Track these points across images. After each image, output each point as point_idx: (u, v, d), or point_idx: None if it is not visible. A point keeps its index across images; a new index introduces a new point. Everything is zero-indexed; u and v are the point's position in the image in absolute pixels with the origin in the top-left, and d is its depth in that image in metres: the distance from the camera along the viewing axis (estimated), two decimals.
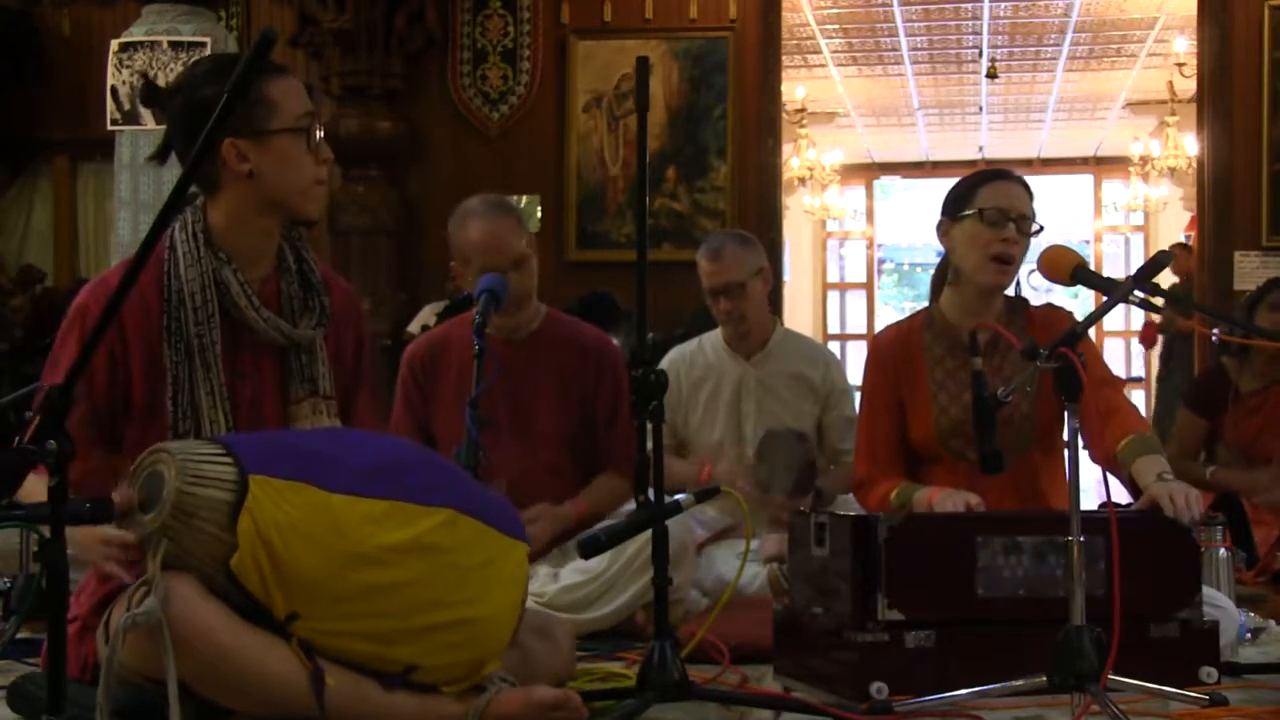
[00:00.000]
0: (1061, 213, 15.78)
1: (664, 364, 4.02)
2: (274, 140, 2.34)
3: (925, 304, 3.34)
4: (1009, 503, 3.05)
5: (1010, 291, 3.22)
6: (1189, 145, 10.62)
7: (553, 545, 3.47)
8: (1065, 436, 2.39)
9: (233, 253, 2.39)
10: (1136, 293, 2.45)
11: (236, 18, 7.41)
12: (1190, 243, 8.74)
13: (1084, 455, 2.45)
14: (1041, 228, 3.15)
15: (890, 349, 3.22)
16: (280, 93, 2.36)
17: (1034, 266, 2.80)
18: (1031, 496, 3.10)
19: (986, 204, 3.09)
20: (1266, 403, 4.85)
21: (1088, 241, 15.47)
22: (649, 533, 2.40)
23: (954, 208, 3.16)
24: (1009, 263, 3.08)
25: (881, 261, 17.52)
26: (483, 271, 3.37)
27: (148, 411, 2.34)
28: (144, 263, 1.80)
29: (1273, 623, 3.44)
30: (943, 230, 3.19)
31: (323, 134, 2.43)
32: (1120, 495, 3.28)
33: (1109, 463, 2.94)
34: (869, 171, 15.75)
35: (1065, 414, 2.36)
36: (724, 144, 7.10)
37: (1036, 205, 3.18)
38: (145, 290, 2.33)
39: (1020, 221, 3.09)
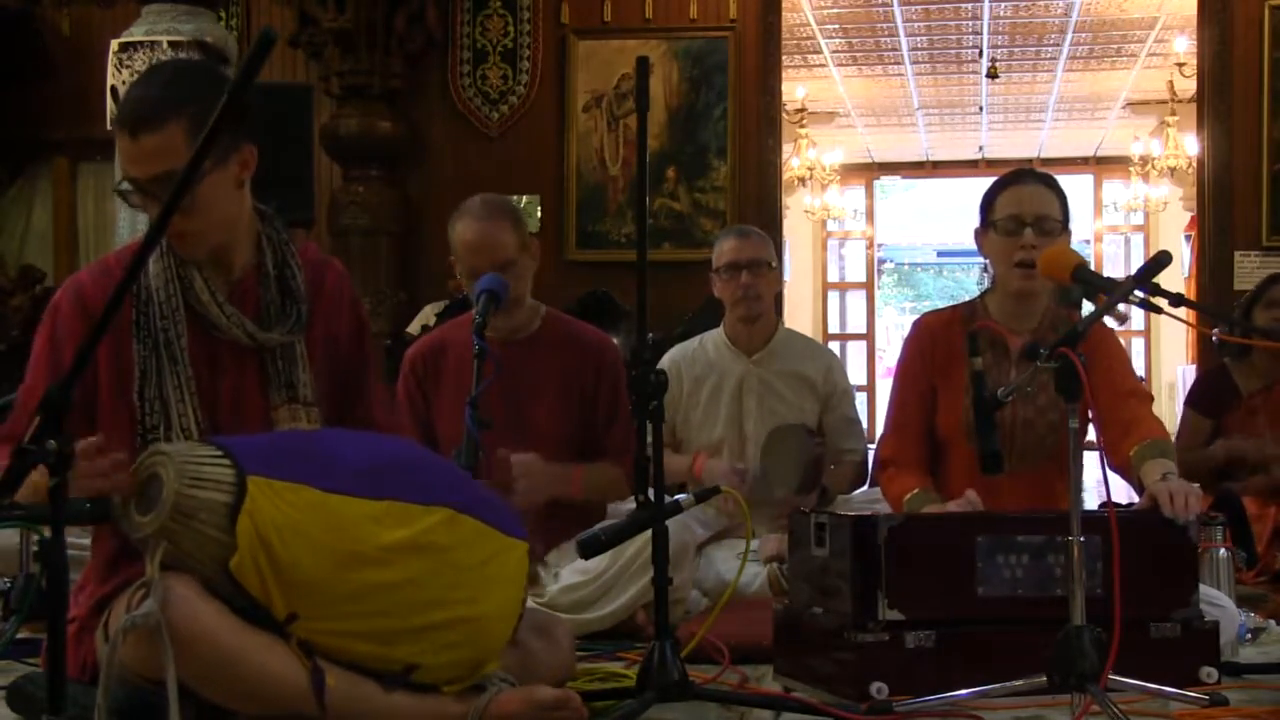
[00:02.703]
0: None
1: (664, 362, 4.03)
2: None
3: (926, 304, 3.36)
4: (1020, 507, 3.05)
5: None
6: (1189, 145, 10.62)
7: (548, 541, 3.46)
8: (1069, 437, 2.39)
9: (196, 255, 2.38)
10: (1137, 293, 2.45)
11: (236, 18, 7.41)
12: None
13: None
14: (1066, 226, 3.16)
15: (932, 334, 3.24)
16: (118, 149, 2.33)
17: None
18: (1044, 504, 3.10)
19: (1000, 214, 3.14)
20: (1269, 402, 4.85)
21: (1088, 241, 15.47)
22: (649, 533, 2.40)
23: (983, 217, 3.22)
24: (1032, 266, 3.09)
25: (881, 261, 17.54)
26: (470, 271, 3.38)
27: (114, 407, 2.33)
28: (133, 280, 1.79)
29: (1273, 623, 3.43)
30: (978, 239, 3.25)
31: (132, 185, 2.31)
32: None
33: (1123, 470, 2.95)
34: (869, 171, 15.75)
35: (1081, 416, 2.36)
36: (724, 144, 7.10)
37: (1068, 205, 3.19)
38: (114, 286, 2.32)
39: (1040, 222, 3.10)
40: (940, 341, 3.22)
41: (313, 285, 2.46)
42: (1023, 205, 3.12)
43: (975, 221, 3.25)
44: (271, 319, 2.40)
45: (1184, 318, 2.55)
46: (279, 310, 2.41)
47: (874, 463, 3.30)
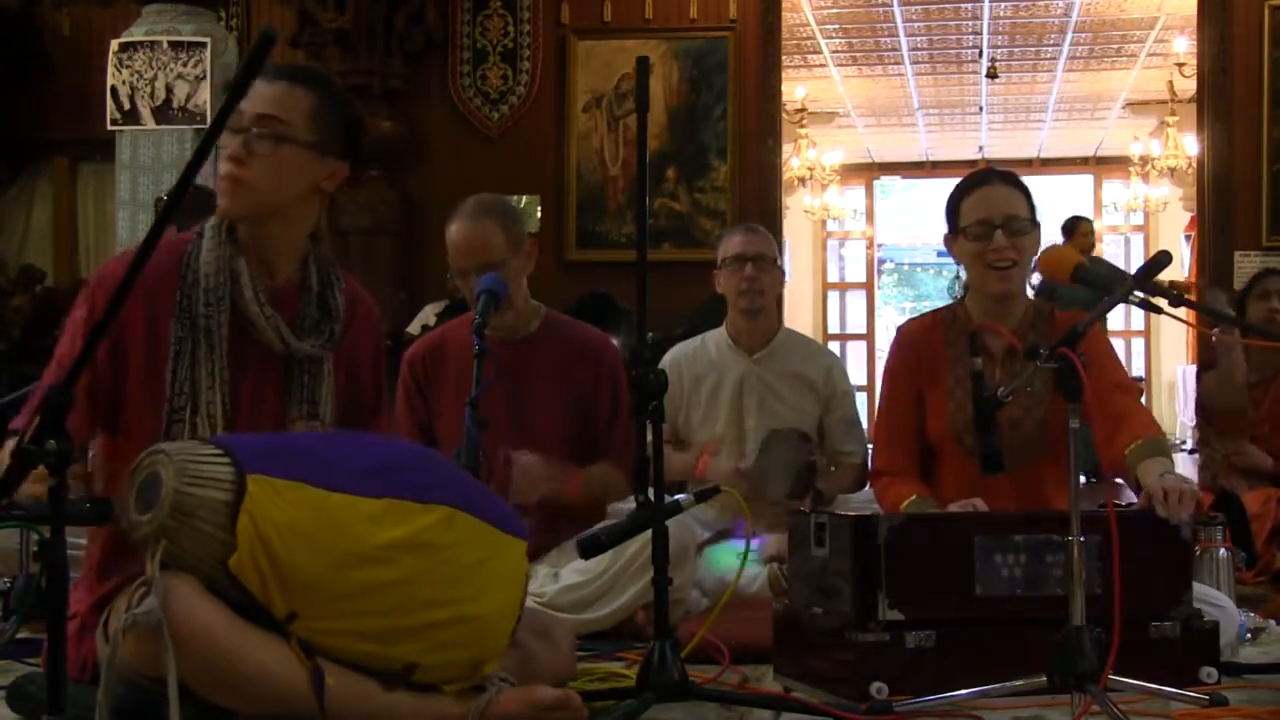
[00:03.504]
0: (1061, 213, 15.78)
1: (666, 360, 4.03)
2: None
3: (925, 304, 3.36)
4: (1012, 507, 3.05)
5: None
6: (1189, 145, 10.63)
7: (548, 541, 3.46)
8: (1069, 437, 2.38)
9: (247, 250, 2.40)
10: (1137, 293, 2.45)
11: (236, 18, 7.42)
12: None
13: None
14: (1035, 223, 3.15)
15: (914, 340, 3.24)
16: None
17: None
18: (1036, 503, 3.10)
19: (968, 219, 3.12)
20: (1266, 396, 4.86)
21: None
22: (649, 533, 2.40)
23: (950, 223, 3.19)
24: (1007, 267, 3.09)
25: (881, 261, 17.52)
26: (458, 271, 3.39)
27: (144, 383, 2.33)
28: (150, 251, 1.79)
29: (1273, 623, 3.43)
30: (948, 245, 3.23)
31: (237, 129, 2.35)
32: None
33: (1117, 467, 2.94)
34: (869, 171, 15.76)
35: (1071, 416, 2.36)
36: (724, 144, 7.11)
37: (1034, 201, 3.19)
38: (163, 268, 2.34)
39: (1009, 223, 3.09)
40: (923, 347, 3.21)
41: (345, 313, 2.50)
42: (990, 208, 3.11)
43: None
44: (306, 330, 2.42)
45: (1184, 318, 2.55)
46: (314, 324, 2.44)
47: (869, 474, 3.30)
